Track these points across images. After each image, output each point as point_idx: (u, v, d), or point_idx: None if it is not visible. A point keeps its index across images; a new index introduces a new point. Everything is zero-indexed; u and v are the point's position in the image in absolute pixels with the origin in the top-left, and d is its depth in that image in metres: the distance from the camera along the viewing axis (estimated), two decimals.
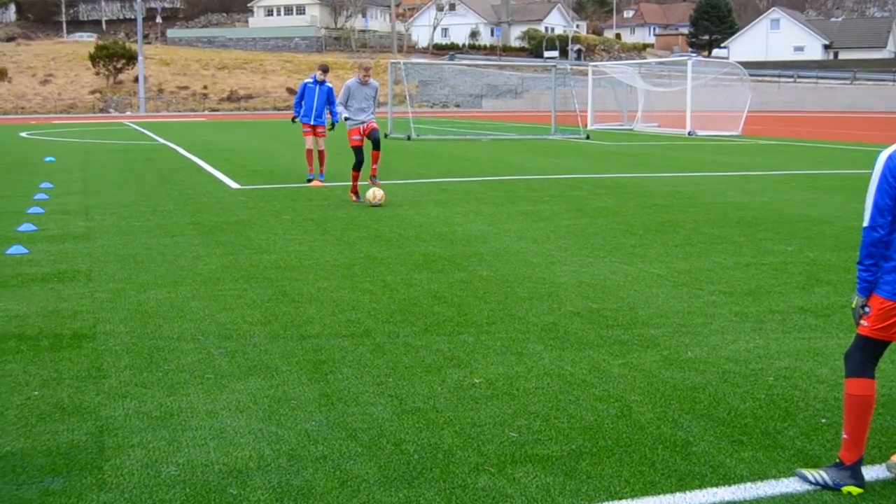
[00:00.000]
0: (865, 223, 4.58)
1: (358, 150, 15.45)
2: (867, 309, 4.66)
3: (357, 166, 15.57)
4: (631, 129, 47.01)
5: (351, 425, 5.46)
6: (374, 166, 15.93)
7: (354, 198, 15.77)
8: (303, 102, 19.24)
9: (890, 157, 4.54)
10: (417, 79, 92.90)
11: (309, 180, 19.22)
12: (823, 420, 5.55)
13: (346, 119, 15.40)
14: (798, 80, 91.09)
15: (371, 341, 7.24)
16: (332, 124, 19.21)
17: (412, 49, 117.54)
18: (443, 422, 5.51)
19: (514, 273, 9.87)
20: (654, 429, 5.41)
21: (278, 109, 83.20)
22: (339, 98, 15.69)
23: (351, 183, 16.02)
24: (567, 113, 44.27)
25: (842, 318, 7.96)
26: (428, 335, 7.43)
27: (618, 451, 5.09)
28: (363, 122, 15.42)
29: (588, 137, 38.11)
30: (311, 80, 19.30)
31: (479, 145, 33.72)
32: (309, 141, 19.58)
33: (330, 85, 19.37)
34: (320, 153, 19.54)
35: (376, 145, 15.56)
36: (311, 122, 19.27)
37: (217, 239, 12.05)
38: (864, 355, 4.69)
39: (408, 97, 43.41)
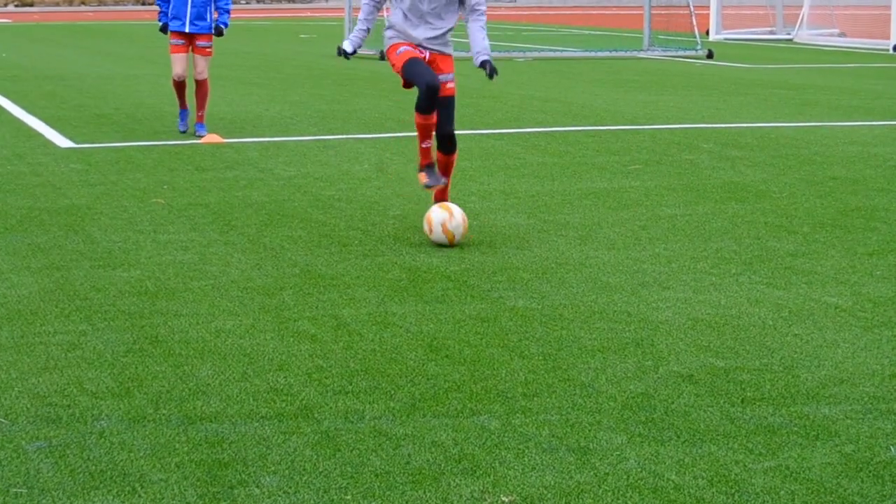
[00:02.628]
0: None
1: (416, 68, 12.31)
2: None
3: (424, 102, 12.27)
4: (790, 40, 47.09)
5: None
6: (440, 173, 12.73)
7: (425, 177, 12.71)
8: None
9: None
10: None
11: (183, 131, 19.34)
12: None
13: (388, 36, 12.61)
14: None
15: (313, 427, 7.30)
16: (220, 29, 19.10)
17: None
18: None
19: (573, 303, 9.96)
20: None
21: (144, 3, 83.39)
22: None
23: (419, 144, 12.79)
24: (672, 10, 44.43)
25: None
26: (416, 416, 7.49)
27: None
28: (420, 47, 12.39)
29: (711, 55, 38.22)
30: None
31: (511, 70, 33.81)
32: (180, 63, 19.35)
33: None
34: (199, 86, 19.43)
35: (445, 140, 12.67)
36: (185, 29, 19.04)
37: (32, 241, 12.13)
38: None
39: None
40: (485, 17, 12.36)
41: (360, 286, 10.47)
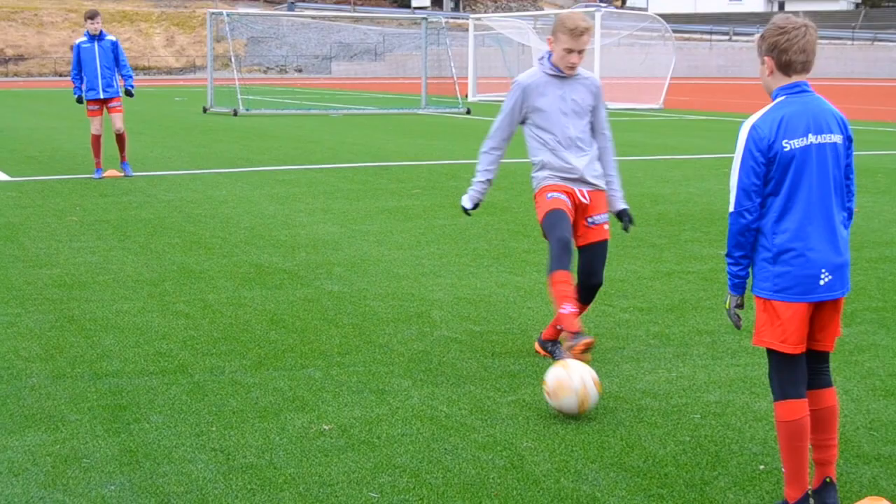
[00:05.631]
0: (731, 208, 4.97)
1: (555, 220, 7.57)
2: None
3: (559, 256, 7.47)
4: None
5: (163, 489, 5.48)
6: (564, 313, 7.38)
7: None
8: (82, 72, 18.19)
9: (754, 128, 4.91)
10: (246, 35, 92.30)
11: (99, 178, 18.16)
12: (762, 466, 5.80)
13: (542, 177, 7.76)
14: (734, 38, 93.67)
15: (187, 379, 7.25)
16: (129, 91, 18.47)
17: None
18: (282, 481, 5.58)
19: (373, 288, 9.98)
20: (553, 483, 5.57)
21: (61, 75, 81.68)
22: (497, 120, 7.90)
23: (557, 309, 7.48)
24: (442, 80, 44.72)
25: None
26: (262, 370, 7.48)
27: None
28: (578, 181, 7.67)
29: (469, 112, 38.49)
30: (84, 39, 18.19)
31: (327, 122, 33.76)
32: (97, 123, 18.33)
33: (113, 38, 18.43)
34: (119, 137, 18.45)
35: (592, 291, 7.83)
36: (100, 96, 18.16)
37: None
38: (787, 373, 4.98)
39: (233, 59, 43.08)
40: (612, 143, 7.89)
41: (220, 278, 10.39)
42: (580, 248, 7.68)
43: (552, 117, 7.61)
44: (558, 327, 7.69)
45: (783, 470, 5.08)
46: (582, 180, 7.61)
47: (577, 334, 7.11)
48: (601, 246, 7.66)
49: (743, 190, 4.88)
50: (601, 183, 7.70)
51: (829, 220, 4.92)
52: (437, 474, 5.67)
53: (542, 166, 7.72)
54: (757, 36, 5.08)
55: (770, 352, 5.01)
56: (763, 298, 4.96)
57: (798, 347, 4.96)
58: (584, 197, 7.61)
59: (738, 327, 5.17)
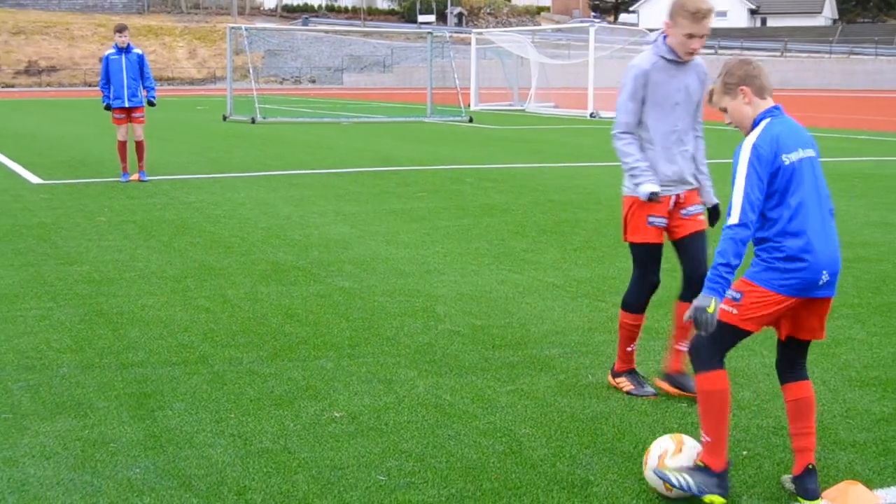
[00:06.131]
0: (734, 220, 4.97)
1: (649, 256, 6.82)
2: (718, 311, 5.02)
3: (638, 299, 6.97)
4: (522, 110, 47.61)
5: (184, 471, 5.48)
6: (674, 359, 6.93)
7: (628, 384, 6.89)
8: (110, 82, 18.20)
9: (756, 147, 5.02)
10: (263, 48, 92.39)
11: (125, 182, 18.24)
12: (745, 452, 5.79)
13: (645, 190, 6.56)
14: (719, 51, 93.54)
15: (208, 370, 7.25)
16: (152, 102, 18.46)
17: (256, 11, 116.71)
18: (296, 465, 5.58)
19: (381, 284, 9.97)
20: (549, 467, 5.57)
21: (90, 85, 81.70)
22: (621, 113, 6.68)
23: (620, 347, 7.03)
24: (446, 90, 44.71)
25: (767, 333, 8.26)
26: (277, 361, 7.47)
27: (506, 495, 5.22)
28: (678, 184, 6.75)
29: (471, 120, 38.47)
30: (112, 51, 18.22)
31: (339, 130, 33.75)
32: (122, 131, 18.39)
33: (139, 51, 18.47)
34: (138, 145, 18.43)
35: (697, 284, 6.10)
36: (125, 105, 18.21)
37: (14, 247, 11.85)
38: (717, 346, 5.16)
39: (251, 70, 43.15)
40: (704, 136, 6.90)
41: (239, 274, 10.40)
42: (678, 241, 6.75)
43: (665, 108, 6.60)
44: (680, 347, 6.82)
45: (706, 439, 5.11)
46: (682, 182, 6.68)
47: (633, 373, 6.92)
48: (700, 237, 6.71)
49: (749, 203, 4.94)
50: (695, 181, 6.76)
51: (828, 226, 5.08)
52: (440, 459, 5.67)
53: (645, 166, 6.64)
54: (717, 84, 5.28)
55: (726, 325, 5.08)
56: (761, 287, 5.04)
57: (757, 329, 5.14)
58: (680, 197, 6.69)
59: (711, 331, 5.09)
